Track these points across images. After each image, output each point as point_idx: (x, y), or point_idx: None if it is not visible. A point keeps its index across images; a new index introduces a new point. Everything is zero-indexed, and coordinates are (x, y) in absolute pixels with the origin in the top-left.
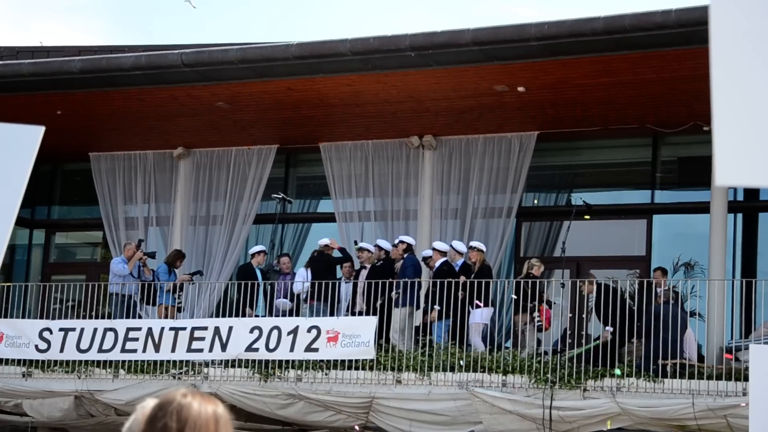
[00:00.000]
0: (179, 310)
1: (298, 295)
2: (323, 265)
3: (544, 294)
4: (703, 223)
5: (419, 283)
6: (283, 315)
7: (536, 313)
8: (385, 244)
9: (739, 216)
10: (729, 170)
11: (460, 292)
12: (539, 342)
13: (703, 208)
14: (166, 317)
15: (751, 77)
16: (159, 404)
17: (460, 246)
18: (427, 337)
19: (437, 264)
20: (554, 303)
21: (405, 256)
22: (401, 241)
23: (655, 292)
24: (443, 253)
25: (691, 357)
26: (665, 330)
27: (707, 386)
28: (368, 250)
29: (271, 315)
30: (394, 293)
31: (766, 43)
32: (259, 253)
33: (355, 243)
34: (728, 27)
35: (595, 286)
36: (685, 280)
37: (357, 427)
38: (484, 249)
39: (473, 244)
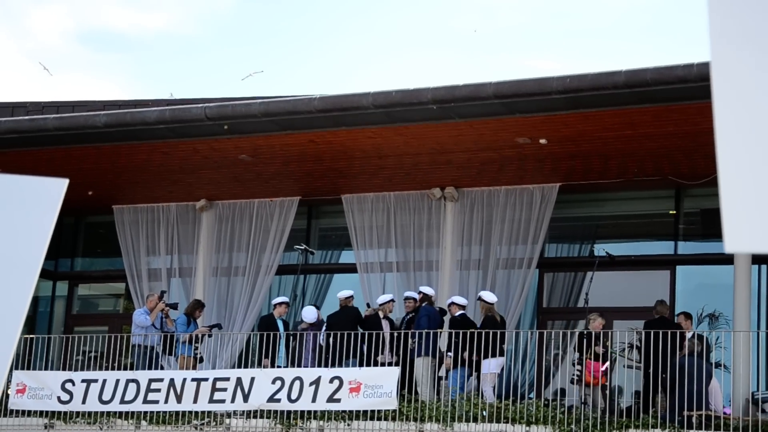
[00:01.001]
0: (200, 360)
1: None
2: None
3: (596, 347)
4: (727, 274)
5: (437, 333)
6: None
7: (577, 366)
8: (412, 294)
9: (764, 267)
10: (739, 237)
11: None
12: (563, 392)
13: (727, 259)
14: (183, 368)
15: (758, 139)
16: None
17: (460, 300)
18: (450, 388)
19: (455, 314)
20: (617, 355)
21: (422, 306)
22: (419, 292)
23: (679, 342)
24: (461, 306)
25: (716, 408)
26: (690, 381)
27: None
28: (413, 299)
29: (293, 365)
30: (409, 344)
31: None
32: (281, 304)
33: (368, 306)
34: (732, 85)
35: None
36: (709, 332)
37: None
38: (463, 303)
39: (453, 299)
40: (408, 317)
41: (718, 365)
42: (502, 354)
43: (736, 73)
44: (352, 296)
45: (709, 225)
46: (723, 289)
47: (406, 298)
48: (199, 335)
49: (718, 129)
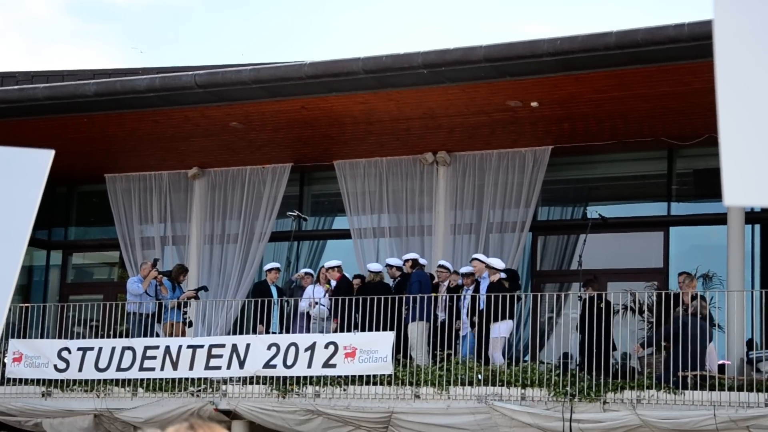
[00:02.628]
0: (189, 325)
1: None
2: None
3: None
4: (721, 235)
5: (431, 298)
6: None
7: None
8: (396, 262)
9: (757, 227)
10: (738, 190)
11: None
12: (566, 356)
13: (720, 219)
14: (172, 334)
15: (758, 95)
16: None
17: (497, 263)
18: (445, 352)
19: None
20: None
21: (412, 272)
22: (405, 260)
23: (682, 300)
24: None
25: (712, 369)
26: (687, 342)
27: (728, 397)
28: (447, 269)
29: (288, 332)
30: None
31: None
32: (273, 269)
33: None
34: (733, 46)
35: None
36: (704, 291)
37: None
38: (449, 267)
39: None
40: (396, 282)
41: (712, 325)
42: (511, 317)
43: (737, 29)
44: (339, 266)
45: (702, 185)
46: (717, 250)
47: (390, 266)
48: (186, 300)
49: (719, 85)
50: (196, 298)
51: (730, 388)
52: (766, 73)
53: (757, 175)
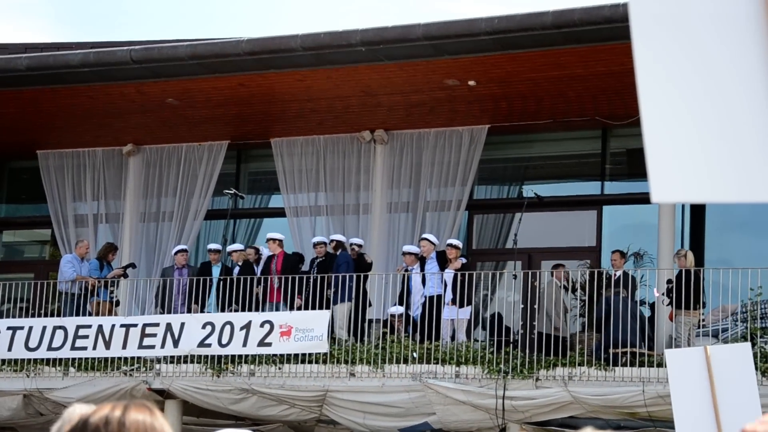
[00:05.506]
0: (116, 304)
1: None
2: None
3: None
4: (652, 214)
5: (358, 278)
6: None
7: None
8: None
9: (687, 206)
10: (665, 186)
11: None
12: (492, 332)
13: None
14: (99, 313)
15: (679, 88)
16: (85, 422)
17: (434, 238)
18: (380, 330)
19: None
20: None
21: (338, 253)
22: (331, 240)
23: (613, 281)
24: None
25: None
26: (616, 319)
27: (657, 374)
28: (324, 244)
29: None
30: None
31: (690, 53)
32: (182, 251)
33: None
34: (651, 38)
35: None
36: (634, 270)
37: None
38: (434, 241)
39: (425, 236)
40: (318, 261)
41: (642, 303)
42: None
43: (654, 27)
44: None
45: (635, 165)
46: (648, 229)
47: (317, 244)
48: (114, 278)
49: (640, 83)
50: (125, 276)
51: (659, 365)
52: (686, 67)
53: (683, 171)
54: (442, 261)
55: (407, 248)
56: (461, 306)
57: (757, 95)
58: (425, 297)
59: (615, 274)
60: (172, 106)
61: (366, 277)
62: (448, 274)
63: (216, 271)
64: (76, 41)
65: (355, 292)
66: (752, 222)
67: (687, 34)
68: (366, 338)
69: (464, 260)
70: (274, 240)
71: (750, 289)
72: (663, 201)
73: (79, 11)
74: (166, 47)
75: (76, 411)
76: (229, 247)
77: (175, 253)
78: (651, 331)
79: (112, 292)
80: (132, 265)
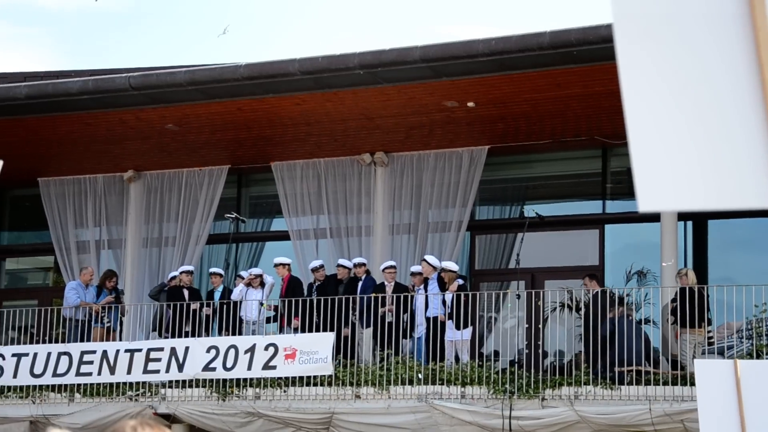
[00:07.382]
0: (113, 331)
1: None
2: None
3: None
4: (655, 232)
5: (376, 300)
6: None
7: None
8: (346, 263)
9: (689, 224)
10: (652, 196)
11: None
12: (497, 353)
13: (654, 217)
14: (97, 339)
15: (662, 98)
16: None
17: (434, 261)
18: (385, 351)
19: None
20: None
21: (362, 277)
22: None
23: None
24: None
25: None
26: (621, 340)
27: (663, 392)
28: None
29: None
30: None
31: (673, 65)
32: (188, 272)
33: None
34: (635, 51)
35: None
36: (638, 288)
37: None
38: (434, 264)
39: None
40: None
41: (647, 321)
42: (473, 323)
43: (639, 38)
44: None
45: None
46: (651, 247)
47: (316, 268)
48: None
49: (625, 92)
50: (118, 301)
51: (665, 383)
52: (671, 75)
53: (669, 180)
54: (443, 282)
55: (415, 268)
56: (463, 327)
57: (743, 102)
58: (429, 318)
59: (585, 297)
60: (172, 132)
61: (384, 301)
62: (449, 296)
63: (217, 294)
64: (75, 69)
65: (373, 317)
66: (754, 239)
67: (672, 37)
68: (372, 359)
69: (461, 282)
70: (283, 265)
71: (755, 306)
72: (650, 210)
73: (77, 40)
74: (165, 73)
75: None
76: (251, 270)
77: (180, 273)
78: (656, 352)
79: (103, 318)
80: (121, 292)
